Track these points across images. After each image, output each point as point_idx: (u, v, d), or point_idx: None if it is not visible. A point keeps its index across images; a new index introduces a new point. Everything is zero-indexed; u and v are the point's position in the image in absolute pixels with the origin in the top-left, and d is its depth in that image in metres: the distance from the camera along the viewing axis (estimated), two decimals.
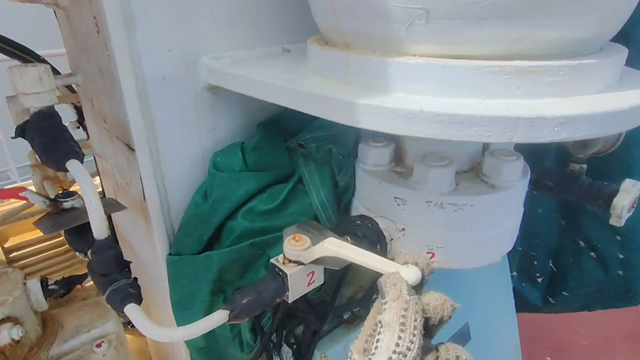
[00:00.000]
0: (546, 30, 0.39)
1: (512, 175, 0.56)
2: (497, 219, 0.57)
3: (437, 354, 0.33)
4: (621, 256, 0.91)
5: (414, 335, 0.30)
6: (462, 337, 0.84)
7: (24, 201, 0.95)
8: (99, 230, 0.47)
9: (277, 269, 0.49)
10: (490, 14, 0.38)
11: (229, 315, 0.45)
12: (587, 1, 0.38)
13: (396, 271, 0.37)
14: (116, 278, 0.47)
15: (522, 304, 1.14)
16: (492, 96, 0.41)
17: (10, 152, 2.89)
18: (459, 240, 0.57)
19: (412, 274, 0.37)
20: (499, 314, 0.97)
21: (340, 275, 0.72)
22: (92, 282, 1.12)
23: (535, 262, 1.08)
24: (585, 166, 0.72)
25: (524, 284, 1.13)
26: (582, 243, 1.01)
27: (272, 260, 0.50)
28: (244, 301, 0.45)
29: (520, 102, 0.40)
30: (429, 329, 0.34)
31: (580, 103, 0.40)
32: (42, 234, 1.13)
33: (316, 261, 0.48)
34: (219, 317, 0.45)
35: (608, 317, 2.03)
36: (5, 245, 1.10)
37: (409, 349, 0.29)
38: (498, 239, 0.59)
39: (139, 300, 0.47)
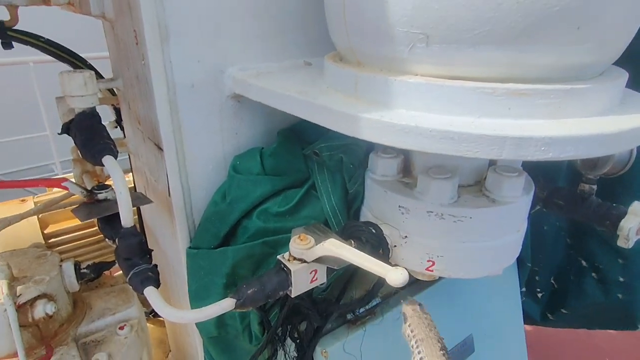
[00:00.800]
0: (538, 56, 0.42)
1: (512, 191, 0.58)
2: (497, 233, 0.60)
3: None
4: (622, 279, 0.91)
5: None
6: (465, 348, 0.86)
7: (64, 192, 1.04)
8: (126, 219, 0.53)
9: (282, 265, 0.53)
10: (484, 39, 0.41)
11: (235, 303, 0.49)
12: (576, 31, 0.40)
13: (413, 299, 0.43)
14: (138, 263, 0.52)
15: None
16: (485, 115, 0.44)
17: (55, 147, 3.10)
18: (458, 250, 0.59)
19: (399, 275, 0.41)
20: (506, 329, 0.98)
21: (346, 279, 0.76)
22: (120, 272, 1.20)
23: (537, 278, 1.09)
24: (595, 187, 0.73)
25: (524, 298, 1.13)
26: (584, 263, 1.01)
27: (278, 257, 0.55)
28: (249, 291, 0.50)
29: (511, 122, 0.43)
30: None
31: (568, 125, 0.42)
32: (78, 223, 1.23)
33: (318, 260, 0.52)
34: (226, 304, 0.49)
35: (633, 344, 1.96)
36: (46, 232, 1.19)
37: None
38: (497, 252, 0.61)
39: (157, 284, 0.52)
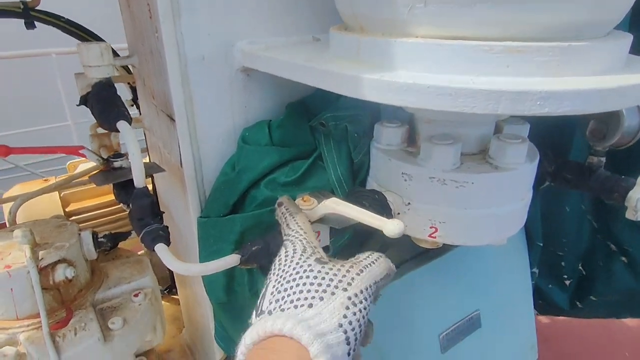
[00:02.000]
0: (535, 13, 0.43)
1: (515, 158, 0.59)
2: (499, 200, 0.60)
3: None
4: None
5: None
6: (471, 323, 0.86)
7: (83, 170, 1.09)
8: (139, 179, 0.56)
9: None
10: None
11: (240, 259, 0.52)
12: None
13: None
14: (150, 222, 0.55)
15: (548, 306, 1.12)
16: (484, 74, 0.44)
17: (76, 136, 3.20)
18: (460, 217, 0.60)
19: (395, 226, 0.42)
20: (515, 307, 0.98)
21: (351, 251, 0.77)
22: (142, 251, 1.24)
23: (563, 264, 1.05)
24: (603, 159, 0.73)
25: (550, 286, 1.09)
26: (613, 246, 0.98)
27: None
28: (253, 248, 0.52)
29: (509, 79, 0.44)
30: None
31: (567, 81, 0.43)
32: (97, 202, 1.28)
33: (321, 220, 0.54)
34: (232, 259, 0.52)
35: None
36: (67, 209, 1.25)
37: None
38: (500, 220, 0.62)
39: (167, 241, 0.55)
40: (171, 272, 1.37)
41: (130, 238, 0.93)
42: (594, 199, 0.93)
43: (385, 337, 0.75)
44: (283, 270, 0.41)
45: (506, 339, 0.96)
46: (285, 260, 0.42)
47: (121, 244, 0.94)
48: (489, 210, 0.60)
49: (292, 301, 0.37)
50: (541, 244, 0.99)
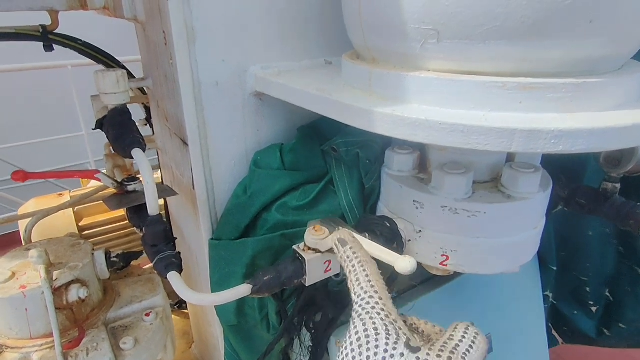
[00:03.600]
0: (548, 50, 0.43)
1: (528, 187, 0.58)
2: (512, 229, 0.60)
3: None
4: None
5: None
6: None
7: (97, 187, 1.10)
8: (152, 207, 0.56)
9: (297, 255, 0.56)
10: (494, 35, 0.42)
11: (252, 289, 0.52)
12: (588, 25, 0.41)
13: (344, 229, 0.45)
14: (163, 249, 0.56)
15: (574, 334, 1.07)
16: (496, 109, 0.45)
17: (90, 146, 3.25)
18: (471, 246, 0.60)
19: (407, 263, 0.42)
20: (527, 330, 0.96)
21: None
22: (149, 265, 1.25)
23: (588, 289, 1.01)
24: (618, 185, 0.72)
25: (575, 312, 1.05)
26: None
27: (293, 247, 0.57)
28: (265, 278, 0.52)
29: (522, 115, 0.43)
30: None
31: (580, 119, 0.42)
32: (110, 217, 1.29)
33: (332, 250, 0.54)
34: (243, 289, 0.52)
35: None
36: (80, 224, 1.26)
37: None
38: (513, 249, 0.61)
39: (180, 269, 0.55)
40: None
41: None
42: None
43: None
44: None
45: (520, 358, 0.94)
46: (368, 350, 0.32)
47: None
48: (501, 240, 0.60)
49: None
50: (555, 268, 0.98)
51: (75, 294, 0.74)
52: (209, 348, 1.11)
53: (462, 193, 0.58)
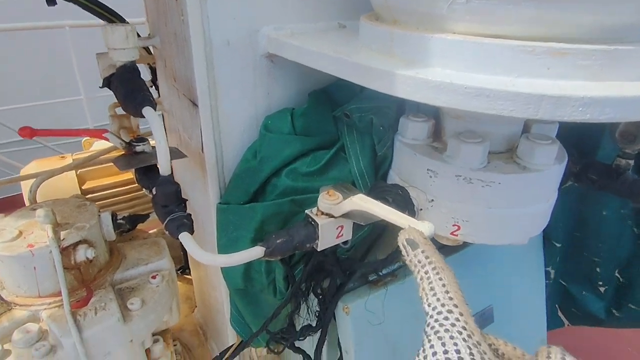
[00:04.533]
0: (580, 14, 0.41)
1: (544, 159, 0.58)
2: (525, 200, 0.59)
3: None
4: None
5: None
6: (484, 318, 0.87)
7: (101, 149, 1.09)
8: (164, 167, 0.56)
9: (310, 219, 0.55)
10: None
11: (264, 251, 0.52)
12: None
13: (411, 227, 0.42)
14: (174, 210, 0.55)
15: (583, 316, 1.07)
16: (523, 75, 0.43)
17: (89, 111, 3.20)
18: (484, 216, 0.60)
19: (426, 228, 0.42)
20: (527, 303, 0.98)
21: (370, 242, 0.77)
22: (154, 230, 1.25)
23: (598, 270, 0.99)
24: (632, 162, 0.71)
25: (584, 292, 1.04)
26: None
27: (306, 211, 0.57)
28: (278, 241, 0.52)
29: (549, 82, 0.42)
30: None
31: (609, 87, 0.41)
32: (114, 180, 1.29)
33: (345, 215, 0.54)
34: (256, 251, 0.52)
35: None
36: (84, 187, 1.26)
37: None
38: (524, 220, 0.61)
39: (191, 230, 0.55)
40: (185, 253, 1.39)
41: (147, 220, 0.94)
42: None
43: (398, 331, 0.75)
44: None
45: (517, 333, 0.96)
46: None
47: None
48: (513, 211, 0.60)
49: None
50: (559, 245, 0.98)
51: (82, 254, 0.74)
52: (212, 312, 1.13)
53: (478, 162, 0.58)
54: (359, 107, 0.68)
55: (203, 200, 0.83)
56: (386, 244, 0.78)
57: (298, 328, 0.73)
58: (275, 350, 0.76)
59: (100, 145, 1.43)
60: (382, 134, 0.67)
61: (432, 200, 0.62)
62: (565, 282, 1.06)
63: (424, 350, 0.29)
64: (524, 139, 0.59)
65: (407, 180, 0.66)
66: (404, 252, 0.38)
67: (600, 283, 1.01)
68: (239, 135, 0.74)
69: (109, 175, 1.30)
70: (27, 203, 0.96)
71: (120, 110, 0.88)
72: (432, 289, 0.33)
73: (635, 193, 0.69)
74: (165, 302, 0.86)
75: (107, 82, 0.68)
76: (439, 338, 0.29)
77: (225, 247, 0.75)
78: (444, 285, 0.33)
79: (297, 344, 0.75)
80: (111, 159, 1.03)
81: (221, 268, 0.76)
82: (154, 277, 0.86)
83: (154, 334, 0.91)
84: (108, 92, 0.73)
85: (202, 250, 0.52)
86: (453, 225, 0.62)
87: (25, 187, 1.04)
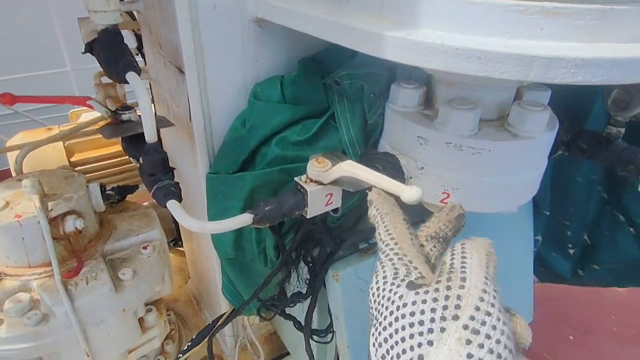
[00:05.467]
0: None
1: (535, 126, 0.57)
2: (515, 168, 0.59)
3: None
4: None
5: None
6: None
7: (88, 120, 1.07)
8: (150, 134, 0.54)
9: (299, 186, 0.55)
10: None
11: (253, 219, 0.52)
12: None
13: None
14: (161, 178, 0.55)
15: (549, 274, 1.13)
16: (515, 36, 0.42)
17: (76, 83, 3.13)
18: (474, 184, 0.60)
19: (414, 193, 0.41)
20: (515, 271, 1.00)
21: (361, 212, 0.77)
22: (145, 203, 1.24)
23: (569, 233, 1.04)
24: (622, 130, 0.71)
25: (553, 254, 1.09)
26: (621, 217, 0.97)
27: (295, 179, 0.56)
28: (266, 208, 0.52)
29: (542, 43, 0.41)
30: (446, 238, 0.39)
31: (603, 48, 0.40)
32: (102, 152, 1.27)
33: (334, 182, 0.53)
34: (244, 218, 0.52)
35: None
36: (72, 160, 1.24)
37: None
38: (514, 188, 0.61)
39: (179, 198, 0.54)
40: (177, 225, 1.39)
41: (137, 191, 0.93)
42: (606, 170, 0.92)
43: None
44: (379, 312, 0.31)
45: (505, 300, 0.98)
46: (379, 295, 0.32)
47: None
48: (503, 178, 0.60)
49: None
50: (548, 213, 0.99)
51: (71, 224, 0.74)
52: (205, 282, 1.14)
53: (468, 129, 0.57)
54: (349, 73, 0.66)
55: (192, 169, 0.82)
56: None
57: (289, 295, 0.74)
58: (267, 317, 0.77)
59: (88, 117, 1.40)
60: (373, 101, 0.66)
61: (422, 167, 0.62)
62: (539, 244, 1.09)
63: (376, 276, 0.35)
64: (516, 105, 0.59)
65: (398, 148, 0.65)
66: (369, 213, 0.43)
67: (570, 245, 1.06)
68: (227, 103, 0.73)
69: (98, 147, 1.28)
70: (13, 174, 0.95)
71: (106, 79, 0.86)
72: (379, 234, 0.39)
73: (623, 160, 0.70)
74: (156, 272, 0.86)
75: (89, 48, 0.65)
76: (381, 263, 0.35)
77: (215, 216, 0.75)
78: (385, 227, 0.39)
79: (287, 310, 0.76)
80: (99, 127, 1.01)
81: (212, 238, 0.76)
82: (145, 248, 0.86)
83: (147, 304, 0.92)
84: (96, 64, 0.71)
85: (190, 217, 0.52)
86: (443, 193, 0.62)
87: (12, 158, 1.03)
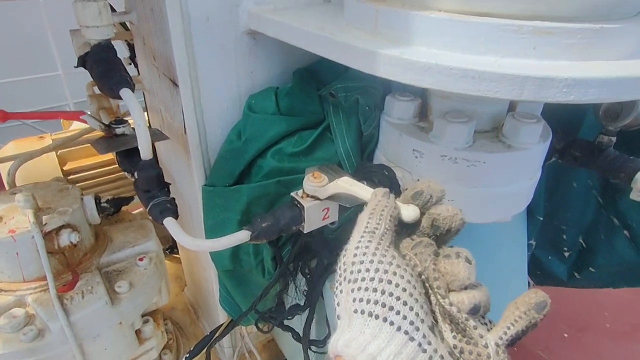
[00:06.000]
0: None
1: (529, 138, 0.58)
2: (509, 179, 0.60)
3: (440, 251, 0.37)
4: None
5: (381, 219, 0.36)
6: None
7: (81, 129, 1.06)
8: (145, 151, 0.54)
9: (295, 202, 0.55)
10: None
11: (250, 235, 0.52)
12: None
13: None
14: (157, 194, 0.54)
15: (546, 277, 1.14)
16: (509, 55, 0.42)
17: (67, 87, 3.10)
18: (469, 195, 0.60)
19: (411, 212, 0.42)
20: (510, 275, 1.00)
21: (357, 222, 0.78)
22: (140, 210, 1.24)
23: (565, 237, 1.05)
24: (614, 139, 0.72)
25: (550, 257, 1.11)
26: (616, 221, 0.98)
27: (292, 194, 0.56)
28: (263, 224, 0.52)
29: (535, 62, 0.42)
30: (438, 236, 0.39)
31: (594, 67, 0.41)
32: (95, 160, 1.26)
33: (331, 198, 0.53)
34: (241, 235, 0.51)
35: (637, 302, 1.99)
36: (65, 168, 1.23)
37: (376, 228, 0.35)
38: (508, 198, 0.62)
39: (175, 215, 0.54)
40: None
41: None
42: (602, 176, 0.93)
43: None
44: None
45: (500, 305, 0.99)
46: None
47: None
48: (498, 189, 0.60)
49: None
50: (541, 218, 1.00)
51: (66, 238, 0.73)
52: (202, 292, 1.13)
53: (463, 142, 0.57)
54: (344, 86, 0.67)
55: (188, 181, 0.82)
56: None
57: (287, 307, 0.74)
58: (264, 329, 0.77)
59: (80, 123, 1.39)
60: (368, 113, 0.66)
61: (418, 180, 0.62)
62: (533, 247, 1.11)
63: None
64: (510, 117, 0.59)
65: (393, 161, 0.65)
66: None
67: (566, 249, 1.07)
68: (222, 115, 0.73)
69: (91, 155, 1.27)
70: (6, 187, 0.94)
71: (98, 90, 0.85)
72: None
73: (615, 169, 0.70)
74: (153, 284, 0.86)
75: (82, 62, 0.65)
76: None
77: (212, 229, 0.75)
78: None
79: (286, 322, 0.76)
80: (92, 139, 1.01)
81: (211, 251, 0.76)
82: (141, 260, 0.86)
83: (143, 315, 0.92)
84: None
85: (187, 235, 0.52)
86: None
87: (4, 169, 1.02)
